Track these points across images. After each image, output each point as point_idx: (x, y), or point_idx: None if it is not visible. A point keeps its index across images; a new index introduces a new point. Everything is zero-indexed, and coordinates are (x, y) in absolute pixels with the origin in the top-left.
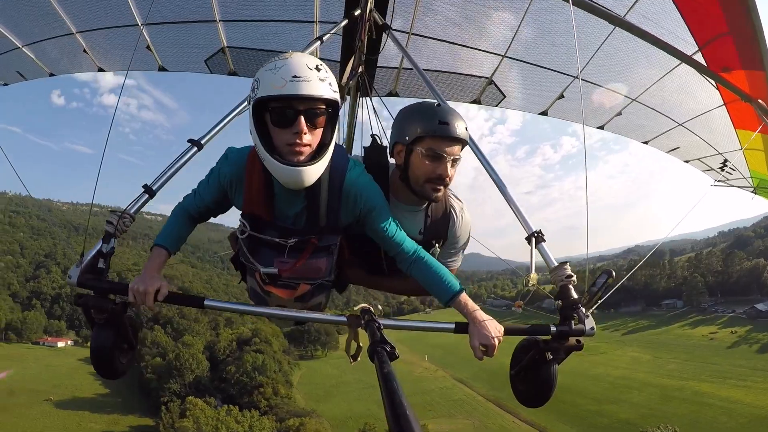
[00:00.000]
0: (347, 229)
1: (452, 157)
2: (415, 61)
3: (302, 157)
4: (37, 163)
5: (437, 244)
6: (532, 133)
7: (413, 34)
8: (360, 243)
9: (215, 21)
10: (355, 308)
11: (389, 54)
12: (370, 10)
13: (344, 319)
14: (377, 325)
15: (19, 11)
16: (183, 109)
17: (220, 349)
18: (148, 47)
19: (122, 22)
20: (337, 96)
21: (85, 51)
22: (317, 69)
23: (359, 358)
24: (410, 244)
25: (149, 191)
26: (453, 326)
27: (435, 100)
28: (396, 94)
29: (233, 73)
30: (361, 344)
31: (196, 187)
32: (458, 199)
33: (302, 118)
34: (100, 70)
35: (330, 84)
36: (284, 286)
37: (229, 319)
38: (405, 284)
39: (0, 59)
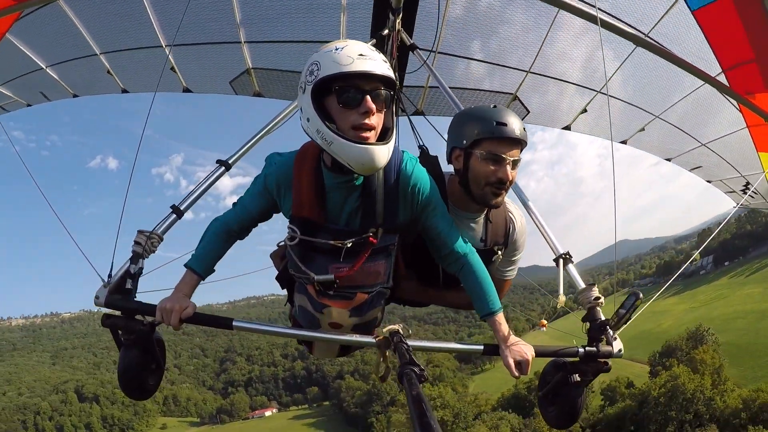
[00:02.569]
0: (404, 229)
1: (512, 159)
2: (442, 80)
3: (370, 140)
4: None
5: (500, 252)
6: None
7: (439, 52)
8: (416, 253)
9: (240, 42)
10: (384, 330)
11: (414, 73)
12: (398, 30)
13: (373, 340)
14: (406, 347)
15: (43, 32)
16: None
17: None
18: (172, 68)
19: (147, 44)
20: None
21: (108, 72)
22: (378, 51)
23: (388, 378)
24: (463, 245)
25: (177, 211)
26: (482, 348)
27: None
28: (422, 113)
29: (258, 94)
30: (389, 365)
31: (237, 202)
32: (515, 204)
33: (369, 98)
34: (124, 91)
35: (390, 67)
36: (340, 297)
37: None
38: (460, 297)
39: (24, 80)
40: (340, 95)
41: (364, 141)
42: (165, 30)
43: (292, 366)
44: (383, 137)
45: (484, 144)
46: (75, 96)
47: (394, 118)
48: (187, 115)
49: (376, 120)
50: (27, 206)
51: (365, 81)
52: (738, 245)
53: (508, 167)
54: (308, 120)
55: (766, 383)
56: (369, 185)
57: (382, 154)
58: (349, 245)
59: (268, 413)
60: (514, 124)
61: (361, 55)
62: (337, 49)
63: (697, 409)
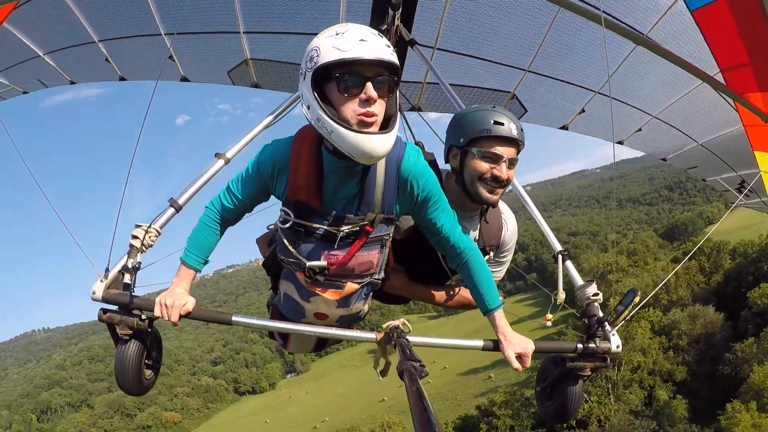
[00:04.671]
0: (399, 219)
1: (508, 158)
2: (442, 77)
3: (372, 128)
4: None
5: (491, 252)
6: None
7: (438, 48)
8: (407, 247)
9: (239, 32)
10: (384, 325)
11: (411, 69)
12: (397, 26)
13: (373, 336)
14: (406, 342)
15: (41, 19)
16: None
17: None
18: (171, 57)
19: (145, 32)
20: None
21: (107, 60)
22: (380, 36)
23: (388, 374)
24: (465, 240)
25: (175, 205)
26: (482, 344)
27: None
28: (419, 109)
29: (256, 85)
30: (389, 361)
31: (225, 189)
32: (508, 209)
33: (370, 85)
34: (122, 78)
35: (393, 51)
36: (330, 286)
37: None
38: (447, 294)
39: (21, 68)
40: (340, 83)
41: (365, 130)
42: (164, 18)
43: (514, 258)
44: (386, 125)
45: (480, 142)
46: (72, 83)
47: (398, 105)
48: None
49: (379, 107)
50: None
51: (366, 67)
52: None
53: (504, 165)
54: (308, 107)
55: None
56: (369, 172)
57: (385, 143)
58: (344, 232)
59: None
60: (511, 124)
61: (362, 40)
62: (337, 35)
63: None
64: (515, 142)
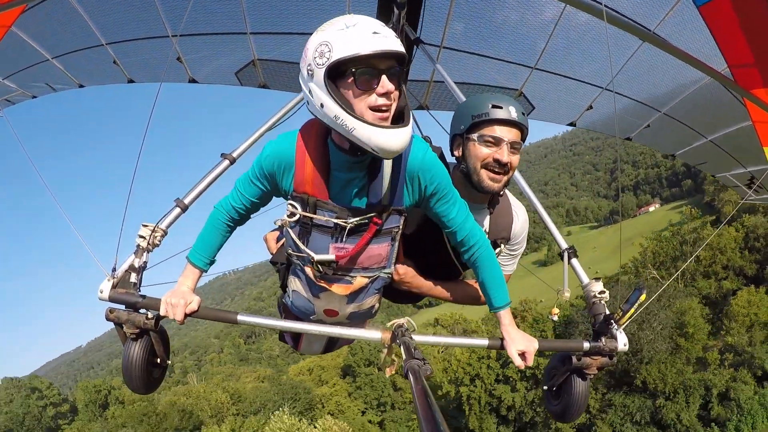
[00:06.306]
0: (410, 212)
1: (510, 141)
2: (446, 75)
3: (389, 122)
4: None
5: (502, 245)
6: None
7: (444, 47)
8: (416, 242)
9: (245, 33)
10: (389, 324)
11: (418, 67)
12: (402, 25)
13: (379, 335)
14: (411, 341)
15: (48, 23)
16: None
17: None
18: (178, 59)
19: (152, 34)
20: None
21: (114, 62)
22: (388, 27)
23: (395, 371)
24: (477, 234)
25: (181, 205)
26: (487, 342)
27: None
28: (426, 108)
29: (264, 86)
30: (395, 358)
31: (233, 189)
32: (518, 201)
33: (386, 78)
34: (131, 81)
35: (401, 42)
36: (339, 280)
37: None
38: (457, 290)
39: (29, 72)
40: (357, 77)
41: (385, 125)
42: (171, 20)
43: (673, 165)
44: (400, 117)
45: (480, 127)
46: (81, 86)
47: (406, 96)
48: None
49: (393, 99)
50: None
51: (380, 60)
52: None
53: (506, 148)
54: (322, 105)
55: None
56: (376, 165)
57: (405, 137)
58: (353, 224)
59: (651, 209)
60: (510, 106)
61: (375, 32)
62: (347, 27)
63: None
64: (517, 125)
